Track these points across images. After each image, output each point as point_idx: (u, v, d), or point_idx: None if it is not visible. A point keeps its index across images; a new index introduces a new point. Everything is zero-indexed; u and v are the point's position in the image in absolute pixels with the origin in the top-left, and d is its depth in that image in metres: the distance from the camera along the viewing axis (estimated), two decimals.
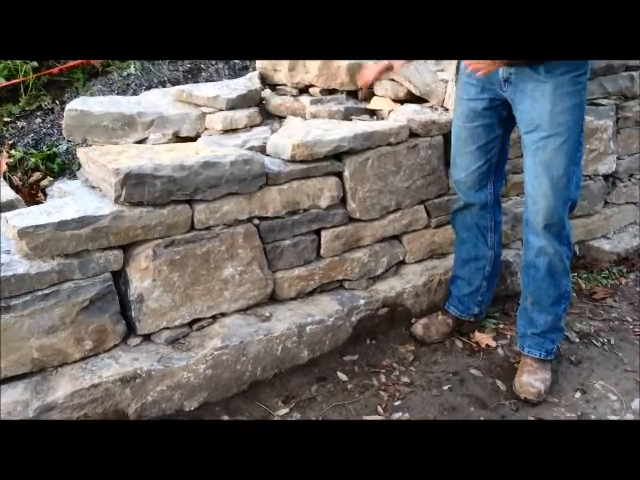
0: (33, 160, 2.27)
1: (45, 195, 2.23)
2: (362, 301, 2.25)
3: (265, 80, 2.71)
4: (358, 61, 2.57)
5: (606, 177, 2.91)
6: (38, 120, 2.51)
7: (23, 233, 1.62)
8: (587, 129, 2.74)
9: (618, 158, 2.90)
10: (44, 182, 2.28)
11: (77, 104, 2.28)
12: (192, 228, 1.91)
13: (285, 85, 2.66)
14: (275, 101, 2.59)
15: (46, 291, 1.68)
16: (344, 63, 2.55)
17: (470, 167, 2.13)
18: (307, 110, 2.51)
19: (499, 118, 2.08)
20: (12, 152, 2.30)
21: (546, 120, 1.91)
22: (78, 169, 2.16)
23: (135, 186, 1.74)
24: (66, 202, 1.77)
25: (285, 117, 2.57)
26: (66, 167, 2.31)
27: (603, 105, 2.78)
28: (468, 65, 1.89)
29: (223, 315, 2.05)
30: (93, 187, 1.89)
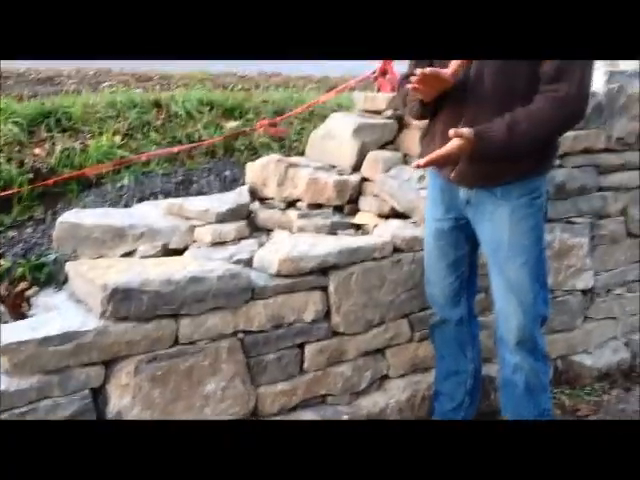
0: (20, 270, 2.30)
1: (30, 305, 2.24)
2: (345, 417, 2.22)
3: (254, 194, 2.80)
4: (344, 178, 2.69)
5: (584, 292, 2.97)
6: (29, 230, 2.56)
7: (6, 349, 1.62)
8: (564, 246, 2.85)
9: (595, 274, 2.98)
10: (30, 292, 2.29)
11: (69, 216, 2.34)
12: (176, 342, 1.92)
13: (273, 199, 2.75)
14: (263, 214, 2.67)
15: (23, 409, 1.65)
16: (331, 179, 2.66)
17: (442, 283, 2.19)
18: (294, 224, 2.58)
19: (466, 236, 2.16)
20: (0, 262, 2.33)
21: (506, 241, 2.00)
22: (65, 280, 2.18)
23: (122, 301, 1.76)
24: (51, 316, 1.79)
25: (273, 230, 2.64)
26: (53, 277, 2.33)
27: (578, 223, 2.89)
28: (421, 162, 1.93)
29: None
30: (79, 301, 1.90)
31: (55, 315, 1.80)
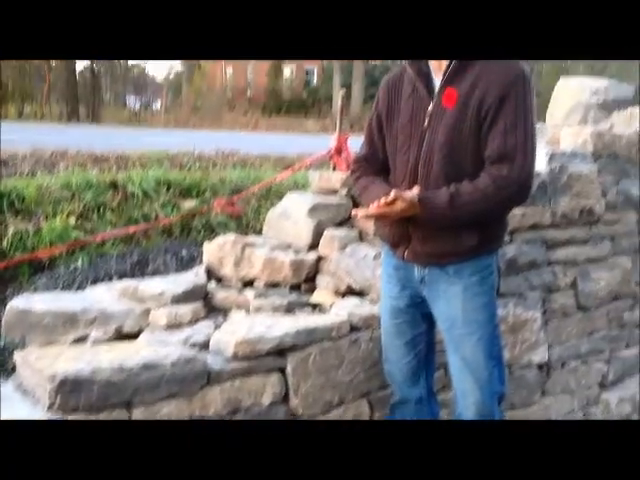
0: None
1: None
2: None
3: (211, 274, 2.79)
4: (300, 257, 2.72)
5: (540, 367, 3.01)
6: None
7: None
8: (518, 320, 2.90)
9: (550, 348, 3.03)
10: None
11: (19, 302, 2.27)
12: None
13: (230, 279, 2.75)
14: (220, 295, 2.66)
15: None
16: (287, 258, 2.68)
17: (400, 362, 2.20)
18: (251, 304, 2.57)
19: (422, 314, 2.19)
20: None
21: (459, 319, 2.04)
22: (13, 369, 2.10)
23: (71, 392, 1.70)
24: None
25: (230, 311, 2.62)
26: (1, 365, 2.25)
27: (530, 298, 2.96)
28: (361, 215, 1.98)
29: None
30: (26, 392, 1.83)
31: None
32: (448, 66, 1.93)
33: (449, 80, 1.92)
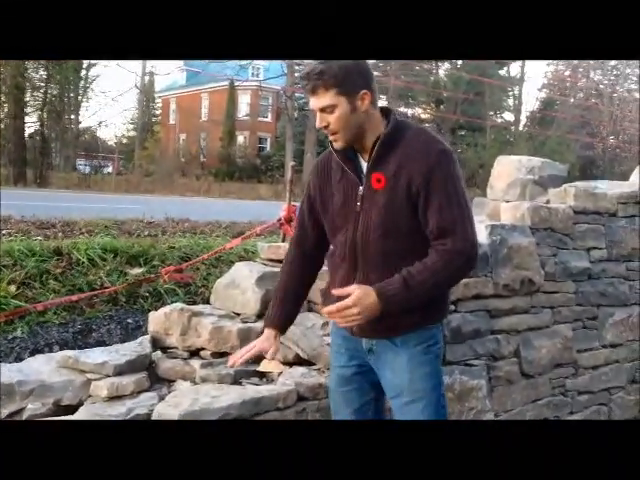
0: None
1: None
2: None
3: (157, 343, 2.75)
4: (248, 326, 2.71)
5: None
6: None
7: None
8: (464, 388, 2.94)
9: (495, 415, 3.06)
10: None
11: None
12: None
13: (176, 348, 2.71)
14: (165, 365, 2.61)
15: None
16: (235, 327, 2.67)
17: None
18: (197, 374, 2.53)
19: (370, 382, 2.20)
20: None
21: (406, 387, 2.07)
22: None
23: None
24: None
25: (175, 381, 2.56)
26: None
27: (475, 366, 3.01)
28: (327, 313, 1.98)
29: None
30: None
31: None
32: (371, 152, 2.01)
33: (374, 165, 2.00)
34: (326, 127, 1.96)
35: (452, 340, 2.94)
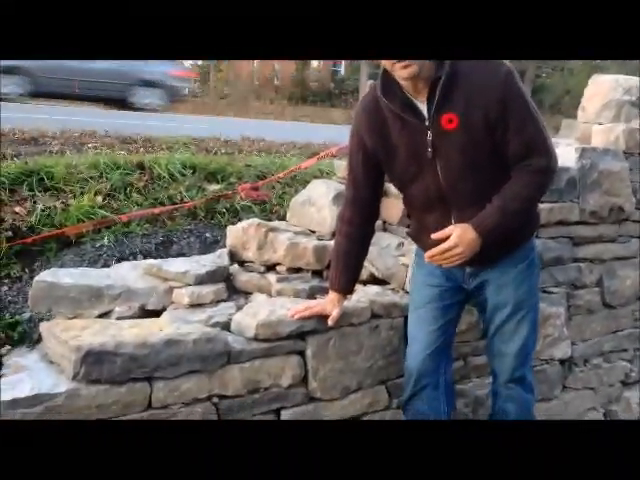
0: None
1: (1, 365, 2.18)
2: None
3: (234, 256, 2.81)
4: (324, 243, 2.72)
5: (562, 362, 2.98)
6: (4, 288, 2.52)
7: None
8: (541, 315, 2.87)
9: (573, 344, 3.00)
10: (2, 350, 2.24)
11: (47, 276, 2.32)
12: (149, 406, 1.87)
13: (253, 262, 2.76)
14: (242, 278, 2.67)
15: None
16: (310, 244, 2.68)
17: (427, 349, 2.19)
18: (273, 288, 2.58)
19: (457, 301, 2.24)
20: None
21: (511, 302, 2.15)
22: (39, 339, 2.14)
23: (94, 364, 1.73)
24: (21, 378, 1.74)
25: (251, 293, 2.63)
26: (27, 336, 2.28)
27: (555, 293, 2.93)
28: (430, 259, 2.02)
29: None
30: (52, 362, 1.86)
31: (25, 376, 1.76)
32: (431, 93, 1.89)
33: (441, 106, 1.90)
34: None
35: None
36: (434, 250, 1.97)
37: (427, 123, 1.94)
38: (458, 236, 1.93)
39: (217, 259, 2.67)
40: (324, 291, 2.61)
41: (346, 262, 2.22)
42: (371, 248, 2.61)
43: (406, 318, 2.43)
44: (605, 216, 3.10)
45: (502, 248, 2.09)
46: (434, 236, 1.97)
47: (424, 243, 2.11)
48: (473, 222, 1.95)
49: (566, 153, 3.06)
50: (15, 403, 1.61)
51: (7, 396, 1.62)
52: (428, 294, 2.21)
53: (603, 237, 3.13)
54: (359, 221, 2.19)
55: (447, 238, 1.95)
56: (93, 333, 1.83)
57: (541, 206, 2.89)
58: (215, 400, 2.01)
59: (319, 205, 2.87)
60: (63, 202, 3.01)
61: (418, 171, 2.02)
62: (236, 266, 2.79)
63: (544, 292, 2.91)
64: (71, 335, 1.79)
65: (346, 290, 2.24)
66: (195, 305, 2.41)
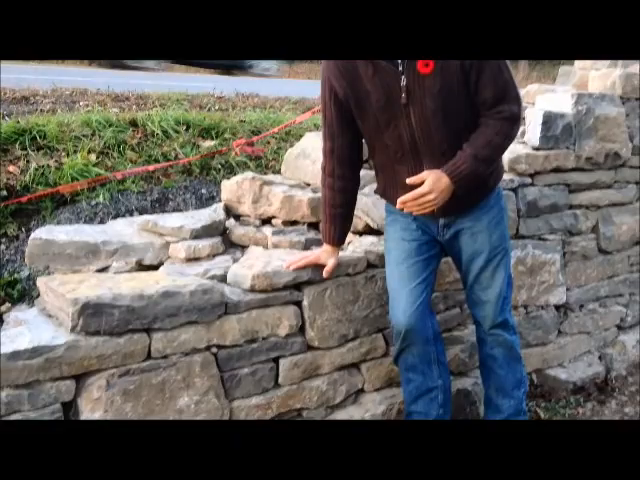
0: None
1: (1, 322, 2.21)
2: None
3: (230, 211, 2.81)
4: (318, 195, 2.71)
5: (558, 307, 3.02)
6: (2, 247, 2.54)
7: None
8: (536, 262, 2.89)
9: (568, 290, 3.02)
10: (2, 308, 2.26)
11: (42, 233, 2.32)
12: (148, 357, 1.90)
13: (249, 216, 2.76)
14: (238, 231, 2.68)
15: None
16: (306, 197, 2.68)
17: (413, 305, 2.18)
18: (269, 241, 2.59)
19: (435, 254, 2.27)
20: None
21: (487, 247, 2.18)
22: (37, 296, 2.16)
23: (92, 315, 1.75)
24: (21, 331, 1.77)
25: (247, 247, 2.64)
26: (26, 293, 2.31)
27: (550, 240, 2.94)
28: (402, 205, 2.02)
29: None
30: (50, 316, 1.89)
31: (25, 330, 1.78)
32: None
33: None
34: None
35: (527, 214, 2.87)
36: (407, 196, 1.96)
37: (401, 68, 1.91)
38: (432, 182, 1.94)
39: (212, 213, 2.68)
40: (319, 243, 2.62)
41: (335, 214, 2.23)
42: (365, 199, 2.62)
43: None
44: (601, 162, 3.09)
45: (474, 195, 2.11)
46: (409, 180, 1.97)
47: (395, 197, 2.08)
48: (446, 169, 1.96)
49: (562, 99, 3.03)
50: (16, 355, 1.64)
51: (7, 349, 1.64)
52: (406, 249, 2.22)
53: (599, 183, 3.12)
54: (340, 172, 2.18)
55: (421, 184, 1.95)
56: (90, 286, 1.85)
57: (537, 153, 2.89)
58: (214, 350, 2.04)
59: (313, 157, 2.85)
60: (57, 161, 2.99)
61: (391, 118, 1.99)
62: (232, 220, 2.79)
63: (540, 239, 2.92)
64: (68, 288, 1.81)
65: (338, 241, 2.25)
66: (192, 259, 2.42)
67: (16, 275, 2.38)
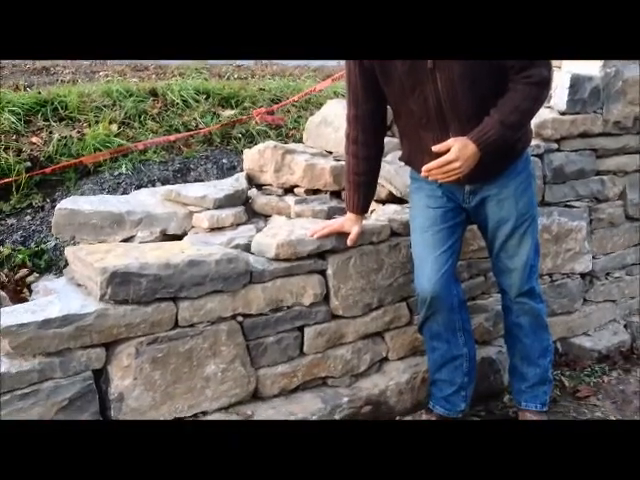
0: (20, 257, 2.31)
1: (31, 291, 2.25)
2: (345, 399, 2.23)
3: (252, 180, 2.80)
4: (341, 164, 2.69)
5: (583, 275, 2.98)
6: (28, 217, 2.57)
7: (6, 332, 1.63)
8: (562, 230, 2.85)
9: (594, 257, 2.98)
10: (30, 278, 2.30)
11: (67, 203, 2.34)
12: (176, 325, 1.92)
13: (271, 185, 2.75)
14: (261, 200, 2.67)
15: (26, 390, 1.66)
16: (328, 165, 2.66)
17: (438, 272, 2.16)
18: (292, 209, 2.59)
19: (460, 221, 2.24)
20: (0, 249, 2.34)
21: (513, 215, 2.14)
22: (65, 266, 2.18)
23: (120, 284, 1.77)
24: (51, 300, 1.79)
25: (270, 216, 2.64)
26: (53, 264, 2.34)
27: (576, 207, 2.89)
28: (427, 172, 1.98)
29: (204, 414, 2.02)
30: (79, 285, 1.91)
31: (54, 299, 1.80)
32: None
33: None
34: None
35: (553, 180, 2.82)
36: (433, 164, 1.93)
37: None
38: (458, 149, 1.90)
39: (235, 182, 2.67)
40: (342, 212, 2.60)
41: (357, 181, 2.20)
42: (389, 167, 2.59)
43: None
44: (629, 126, 3.01)
45: (500, 162, 2.06)
46: (435, 148, 1.94)
47: (420, 164, 2.04)
48: (472, 136, 1.91)
49: (590, 62, 2.94)
50: (47, 323, 1.67)
51: (39, 317, 1.67)
52: (431, 216, 2.20)
53: (627, 148, 3.04)
54: (364, 139, 2.15)
55: (447, 151, 1.92)
56: (117, 256, 1.86)
57: (564, 118, 2.82)
58: (239, 319, 2.06)
59: (335, 125, 2.82)
60: (79, 131, 3.01)
61: (417, 83, 1.96)
62: (254, 190, 2.78)
63: (566, 206, 2.87)
64: (96, 258, 1.82)
65: (362, 209, 2.23)
66: (215, 229, 2.43)
67: (43, 246, 2.42)
